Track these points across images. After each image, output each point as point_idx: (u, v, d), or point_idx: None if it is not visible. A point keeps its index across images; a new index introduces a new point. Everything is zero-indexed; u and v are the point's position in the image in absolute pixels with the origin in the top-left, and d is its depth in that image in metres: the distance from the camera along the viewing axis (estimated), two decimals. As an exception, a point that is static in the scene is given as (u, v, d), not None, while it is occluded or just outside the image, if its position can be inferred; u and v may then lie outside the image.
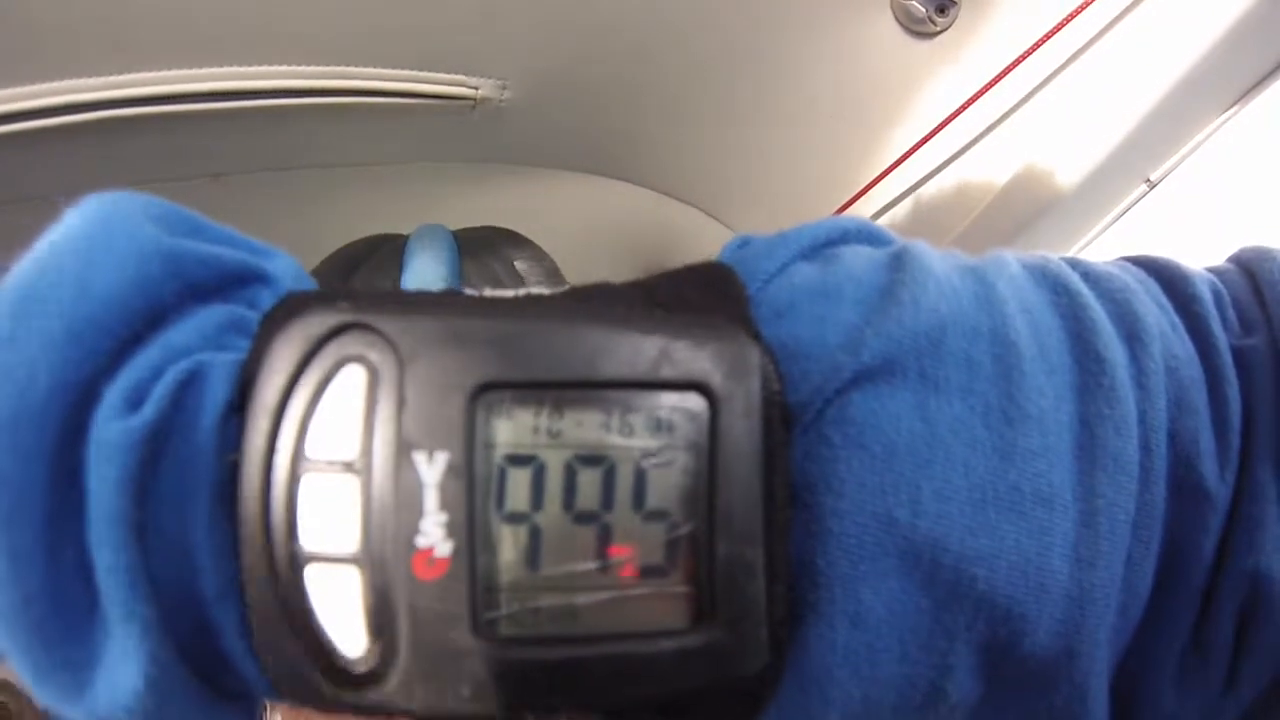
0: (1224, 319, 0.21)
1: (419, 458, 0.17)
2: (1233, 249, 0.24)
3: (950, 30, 0.70)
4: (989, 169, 0.72)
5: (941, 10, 0.69)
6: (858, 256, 0.22)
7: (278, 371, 0.18)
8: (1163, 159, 0.67)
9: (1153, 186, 0.68)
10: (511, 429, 0.17)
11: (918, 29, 0.71)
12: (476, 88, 0.72)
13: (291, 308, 0.19)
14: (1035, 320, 0.20)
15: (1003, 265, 0.22)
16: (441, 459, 0.17)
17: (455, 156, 0.84)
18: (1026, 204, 0.68)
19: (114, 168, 0.66)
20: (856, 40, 0.73)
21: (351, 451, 0.17)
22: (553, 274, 0.44)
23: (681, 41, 0.74)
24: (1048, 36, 0.64)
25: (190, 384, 0.18)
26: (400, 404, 0.17)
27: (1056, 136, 0.66)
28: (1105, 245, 0.72)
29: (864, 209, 0.81)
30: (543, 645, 0.17)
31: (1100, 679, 0.20)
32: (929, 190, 0.76)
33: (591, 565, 0.18)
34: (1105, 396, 0.19)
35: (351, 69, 0.66)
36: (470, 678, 0.17)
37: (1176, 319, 0.21)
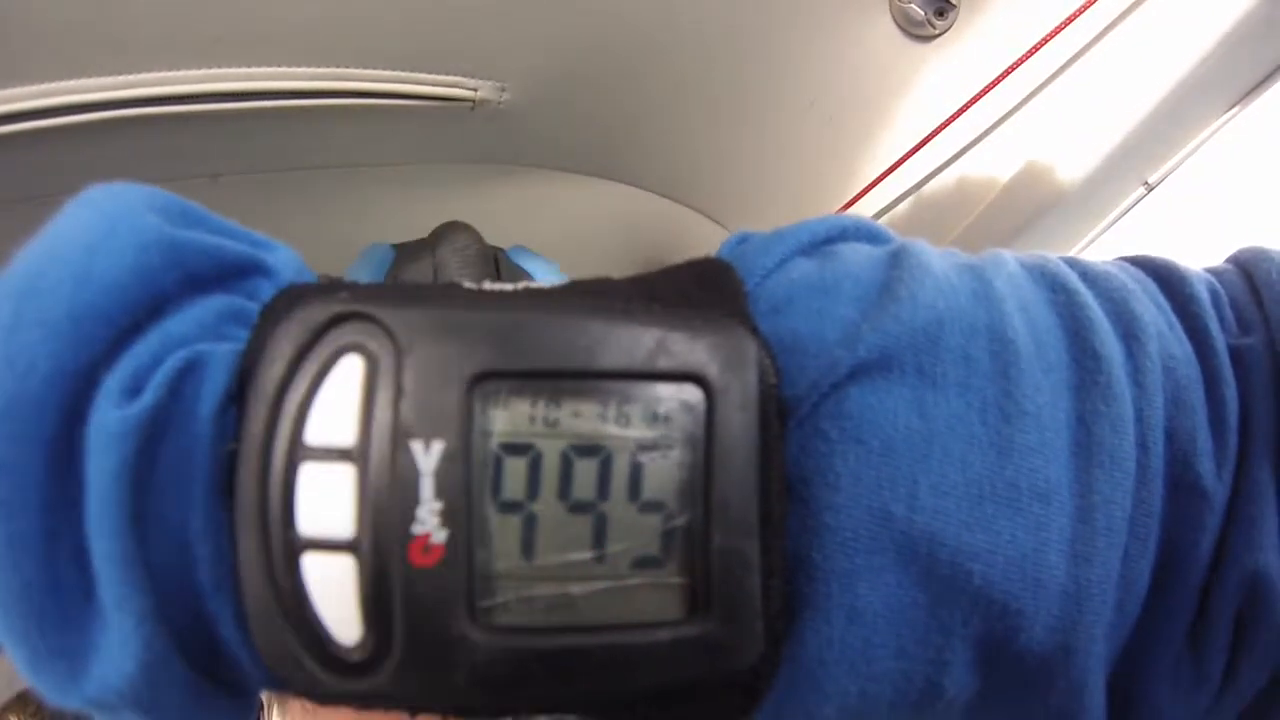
0: (1221, 319, 0.21)
1: (416, 446, 0.17)
2: (1230, 249, 0.24)
3: (949, 33, 0.70)
4: (987, 172, 0.72)
5: (940, 14, 0.69)
6: (856, 253, 0.22)
7: (277, 360, 0.18)
8: (1161, 162, 0.67)
9: (1150, 189, 0.68)
10: (508, 418, 0.17)
11: (916, 32, 0.71)
12: (475, 89, 0.73)
13: (291, 299, 0.19)
14: (1033, 318, 0.20)
15: (1001, 263, 0.22)
16: (438, 447, 0.17)
17: (454, 158, 0.84)
18: (1024, 207, 0.68)
19: (112, 168, 0.65)
20: (855, 43, 0.73)
21: (349, 439, 0.17)
22: (475, 260, 0.44)
23: (681, 45, 0.74)
24: (1045, 40, 0.64)
25: (189, 373, 0.18)
26: (398, 392, 0.17)
27: (1054, 139, 0.66)
28: (1103, 247, 0.72)
29: (862, 211, 0.82)
30: (538, 634, 0.17)
31: (1097, 676, 0.20)
32: (927, 194, 0.77)
33: (587, 555, 0.18)
34: (1102, 394, 0.19)
35: (350, 70, 0.66)
36: (465, 665, 0.17)
37: (1174, 318, 0.21)
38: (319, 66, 0.64)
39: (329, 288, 0.19)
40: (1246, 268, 0.23)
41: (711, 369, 0.18)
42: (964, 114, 0.70)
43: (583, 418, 0.18)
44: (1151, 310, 0.21)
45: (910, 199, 0.78)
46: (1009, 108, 0.69)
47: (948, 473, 0.18)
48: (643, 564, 0.18)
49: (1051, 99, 0.67)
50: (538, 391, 0.18)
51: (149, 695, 0.18)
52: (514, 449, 0.18)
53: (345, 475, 0.17)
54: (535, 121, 0.79)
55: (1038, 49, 0.64)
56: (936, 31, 0.70)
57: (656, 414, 0.18)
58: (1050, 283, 0.21)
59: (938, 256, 0.22)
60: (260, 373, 0.18)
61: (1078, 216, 0.70)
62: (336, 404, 0.17)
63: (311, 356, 0.18)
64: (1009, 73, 0.66)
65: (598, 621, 0.18)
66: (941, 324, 0.19)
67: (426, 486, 0.17)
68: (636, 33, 0.72)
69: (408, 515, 0.17)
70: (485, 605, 0.17)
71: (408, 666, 0.17)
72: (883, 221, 0.80)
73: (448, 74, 0.71)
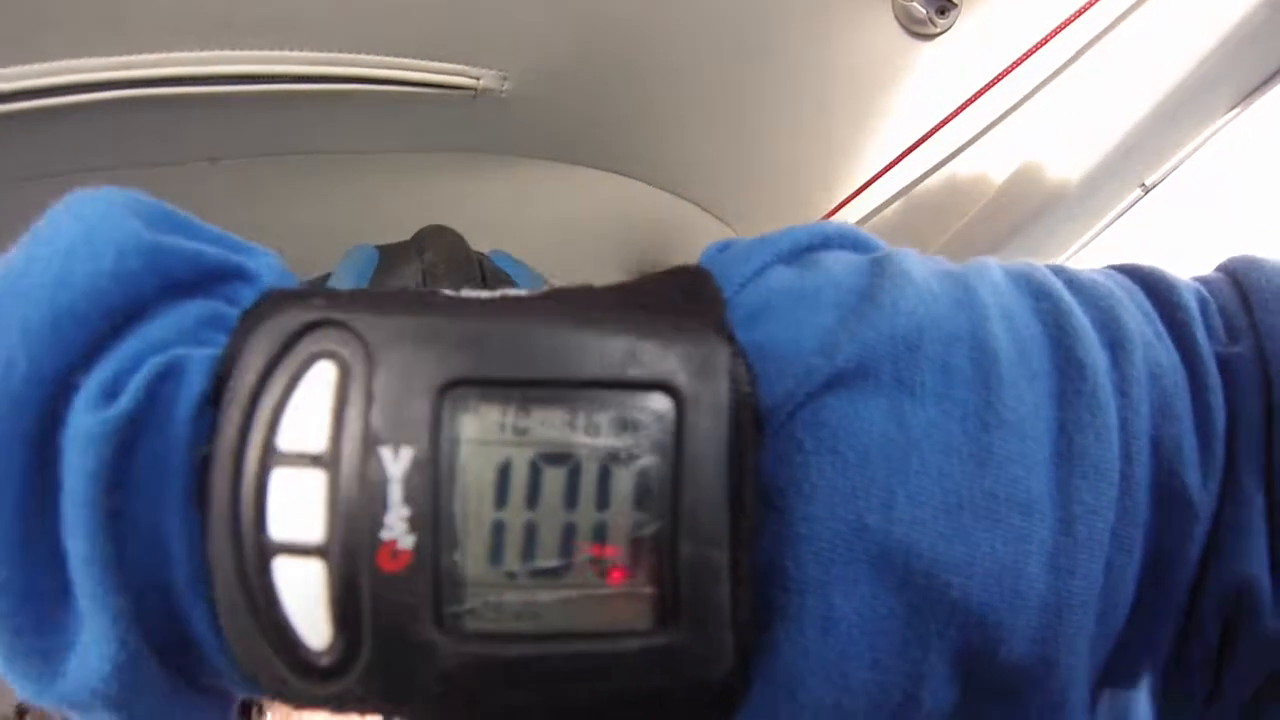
0: (1209, 327, 0.21)
1: (385, 452, 0.17)
2: (1227, 252, 0.24)
3: (950, 32, 0.70)
4: (985, 171, 0.72)
5: (942, 12, 0.69)
6: (838, 261, 0.22)
7: (251, 366, 0.18)
8: (1158, 164, 0.67)
9: (1148, 191, 0.68)
10: (478, 425, 0.18)
11: (918, 30, 0.71)
12: (478, 78, 0.72)
13: (270, 304, 0.19)
14: (1016, 326, 0.20)
15: (985, 271, 0.21)
16: (407, 454, 0.17)
17: (454, 146, 0.84)
18: (1022, 206, 0.68)
19: (112, 149, 0.66)
20: (857, 39, 0.73)
21: (320, 445, 0.17)
22: (461, 264, 0.44)
23: (683, 38, 0.74)
24: (1046, 40, 0.64)
25: (167, 377, 0.18)
26: (369, 399, 0.17)
27: (1053, 139, 0.66)
28: (1100, 248, 0.72)
29: (860, 208, 0.82)
30: (505, 641, 0.17)
31: (1079, 689, 0.20)
32: (924, 191, 0.76)
33: (554, 563, 0.18)
34: (1086, 403, 0.19)
35: (353, 56, 0.66)
36: (432, 671, 0.17)
37: (1161, 327, 0.21)
38: (321, 51, 0.64)
39: (306, 294, 0.19)
40: (1236, 276, 0.22)
41: (681, 378, 0.18)
42: (962, 113, 0.69)
43: (552, 426, 0.18)
44: (1138, 318, 0.21)
45: (906, 196, 0.78)
46: (1008, 107, 0.69)
47: (925, 483, 0.18)
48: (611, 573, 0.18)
49: (1050, 99, 0.67)
50: (507, 399, 0.18)
51: (123, 695, 0.18)
52: (483, 456, 0.18)
53: (316, 481, 0.17)
54: (536, 112, 0.79)
55: (1038, 48, 0.64)
56: (937, 30, 0.70)
57: (626, 422, 0.18)
58: (1035, 291, 0.21)
59: (920, 264, 0.21)
60: (234, 378, 0.18)
61: (1075, 217, 0.70)
62: (308, 410, 0.18)
63: (285, 363, 0.18)
64: (1009, 72, 0.66)
65: (566, 629, 0.18)
66: (921, 332, 0.19)
67: (395, 492, 0.17)
68: (639, 26, 0.71)
69: (376, 521, 0.17)
70: (453, 611, 0.17)
71: (375, 671, 0.17)
72: (879, 218, 0.80)
73: (450, 62, 0.70)
